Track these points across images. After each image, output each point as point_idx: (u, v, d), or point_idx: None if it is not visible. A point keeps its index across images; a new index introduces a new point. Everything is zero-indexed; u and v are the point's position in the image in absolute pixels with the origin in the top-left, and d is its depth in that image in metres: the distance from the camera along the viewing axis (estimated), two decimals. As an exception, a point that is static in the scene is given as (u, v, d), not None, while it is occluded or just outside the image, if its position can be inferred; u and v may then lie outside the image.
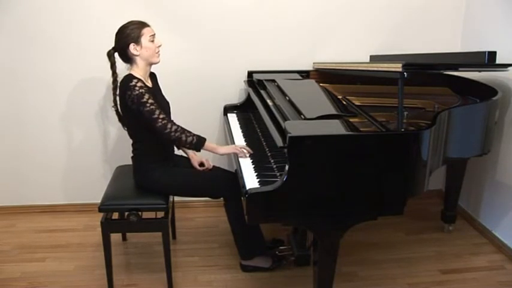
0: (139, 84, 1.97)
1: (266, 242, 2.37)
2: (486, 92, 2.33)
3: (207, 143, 2.07)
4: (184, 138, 2.01)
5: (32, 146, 2.86)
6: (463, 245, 2.60)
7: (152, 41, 2.06)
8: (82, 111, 2.82)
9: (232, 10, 2.74)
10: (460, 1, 2.89)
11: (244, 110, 2.77)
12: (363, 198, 1.67)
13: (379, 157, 1.65)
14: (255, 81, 2.72)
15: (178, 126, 2.02)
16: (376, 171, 1.65)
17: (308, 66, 2.87)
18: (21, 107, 2.78)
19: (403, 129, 1.78)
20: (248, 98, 2.73)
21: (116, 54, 2.09)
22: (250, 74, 2.79)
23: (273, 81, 2.55)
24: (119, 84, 2.06)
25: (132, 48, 2.02)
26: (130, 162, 2.22)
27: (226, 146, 2.20)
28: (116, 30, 2.06)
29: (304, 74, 2.80)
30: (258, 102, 2.39)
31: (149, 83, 2.12)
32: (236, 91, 2.89)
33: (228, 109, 2.81)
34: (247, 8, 2.75)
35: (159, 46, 2.10)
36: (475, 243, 2.63)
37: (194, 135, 2.04)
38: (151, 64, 2.11)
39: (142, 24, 2.06)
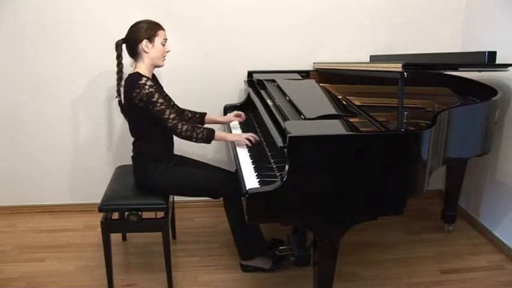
0: (148, 83, 1.99)
1: (266, 242, 2.37)
2: (486, 92, 2.33)
3: (216, 134, 2.13)
4: (195, 135, 2.07)
5: (32, 146, 2.86)
6: (463, 245, 2.60)
7: (163, 45, 2.10)
8: (82, 112, 2.82)
9: (233, 10, 2.74)
10: (460, 1, 2.89)
11: (244, 110, 2.76)
12: (363, 198, 1.67)
13: (379, 157, 1.65)
14: (255, 81, 2.72)
15: (188, 125, 2.05)
16: (376, 171, 1.65)
17: (308, 66, 2.87)
18: (20, 106, 2.78)
19: (403, 129, 1.78)
20: (248, 98, 2.73)
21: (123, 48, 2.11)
22: (250, 73, 2.79)
23: (273, 81, 2.55)
24: (124, 79, 2.07)
25: (144, 44, 2.05)
26: (130, 162, 2.22)
27: (235, 133, 2.26)
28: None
29: (304, 74, 2.79)
30: (258, 102, 2.39)
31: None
32: (236, 91, 2.89)
33: (228, 109, 2.80)
34: (247, 8, 2.75)
35: (168, 51, 2.13)
36: (475, 243, 2.63)
37: (204, 130, 2.09)
38: (155, 66, 2.13)
39: (160, 26, 2.10)
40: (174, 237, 2.64)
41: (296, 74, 2.75)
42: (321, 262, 1.78)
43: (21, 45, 2.67)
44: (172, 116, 2.01)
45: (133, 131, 2.17)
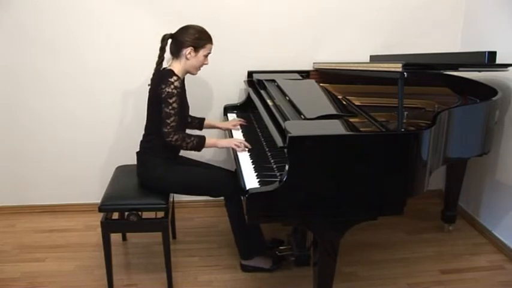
0: (176, 83, 2.01)
1: (266, 242, 2.37)
2: (486, 92, 2.33)
3: (207, 141, 2.13)
4: (184, 145, 2.08)
5: (32, 146, 2.86)
6: (463, 245, 2.61)
7: (205, 56, 2.14)
8: (82, 112, 2.82)
9: (232, 10, 2.74)
10: (460, 1, 2.89)
11: (244, 110, 2.76)
12: (362, 198, 1.67)
13: (379, 157, 1.65)
14: (255, 81, 2.72)
15: (179, 135, 2.06)
16: (376, 171, 1.65)
17: (308, 66, 2.87)
18: (20, 107, 2.78)
19: (403, 129, 1.78)
20: (248, 98, 2.73)
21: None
22: (250, 74, 2.79)
23: (273, 81, 2.55)
24: (157, 72, 2.11)
25: (188, 51, 2.08)
26: (130, 162, 2.22)
27: (225, 139, 2.26)
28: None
29: (304, 74, 2.79)
30: (258, 102, 2.39)
31: None
32: (236, 91, 2.89)
33: (228, 109, 2.80)
34: (247, 7, 2.75)
35: (206, 64, 2.17)
36: (475, 243, 2.63)
37: (194, 139, 2.10)
38: (188, 72, 2.17)
39: (210, 39, 2.15)
40: (174, 237, 2.64)
41: (296, 74, 2.75)
42: (321, 262, 1.78)
43: (21, 46, 2.66)
44: (172, 124, 2.03)
45: (148, 124, 2.19)
